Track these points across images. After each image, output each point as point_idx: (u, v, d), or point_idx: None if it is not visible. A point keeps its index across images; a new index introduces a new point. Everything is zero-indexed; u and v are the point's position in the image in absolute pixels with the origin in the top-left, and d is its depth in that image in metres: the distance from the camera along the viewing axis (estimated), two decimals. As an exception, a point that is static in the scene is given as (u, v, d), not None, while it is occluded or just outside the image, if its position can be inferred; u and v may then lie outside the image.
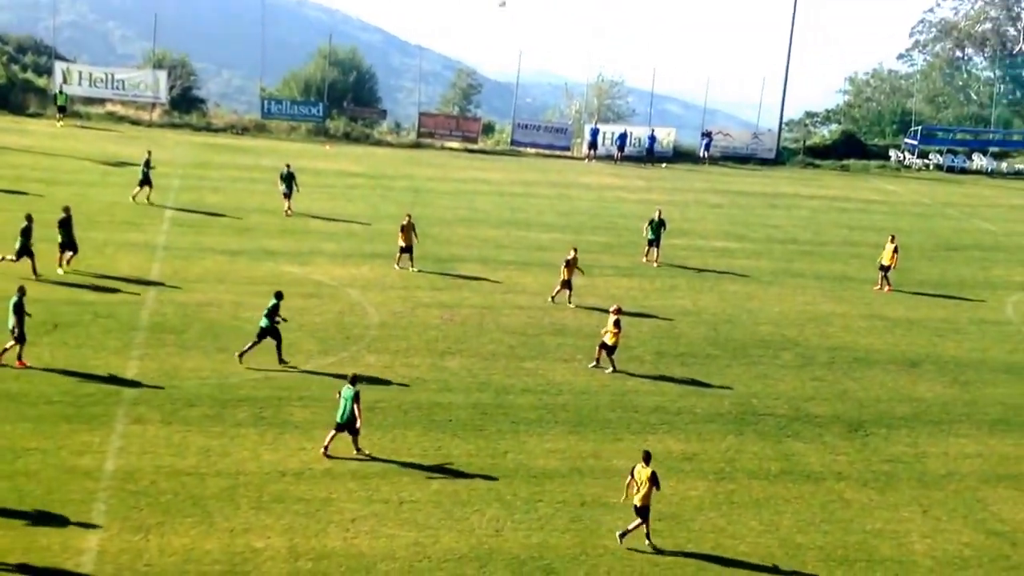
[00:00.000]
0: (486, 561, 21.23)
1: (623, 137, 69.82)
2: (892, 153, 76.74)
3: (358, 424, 24.67)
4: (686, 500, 24.30)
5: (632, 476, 22.22)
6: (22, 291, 28.00)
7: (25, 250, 34.44)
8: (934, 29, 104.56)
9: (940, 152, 76.41)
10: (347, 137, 68.61)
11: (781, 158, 73.90)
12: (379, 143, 68.89)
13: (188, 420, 25.97)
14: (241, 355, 29.39)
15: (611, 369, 31.23)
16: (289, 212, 45.50)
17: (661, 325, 35.89)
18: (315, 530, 21.73)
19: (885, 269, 42.22)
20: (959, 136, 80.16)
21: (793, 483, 25.57)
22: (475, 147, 70.10)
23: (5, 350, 27.75)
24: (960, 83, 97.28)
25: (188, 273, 36.75)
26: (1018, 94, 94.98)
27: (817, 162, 74.53)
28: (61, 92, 63.55)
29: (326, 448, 24.88)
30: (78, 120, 64.31)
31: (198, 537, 21.07)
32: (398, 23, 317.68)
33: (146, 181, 45.27)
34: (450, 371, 30.49)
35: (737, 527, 23.23)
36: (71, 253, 35.65)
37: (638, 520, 22.06)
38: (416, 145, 69.12)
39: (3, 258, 34.56)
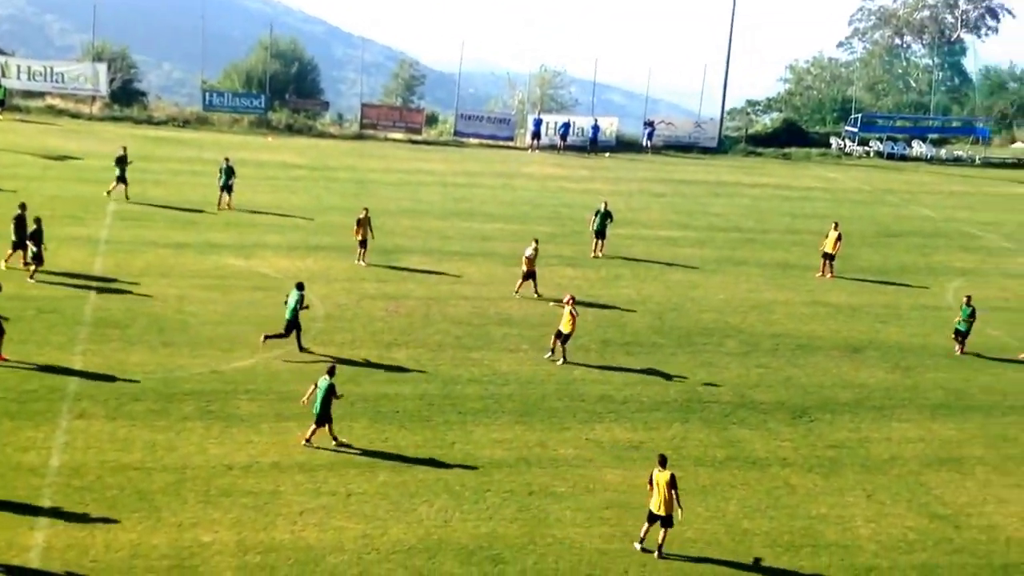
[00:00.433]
0: (435, 552, 21.26)
1: (566, 127, 69.97)
2: (833, 141, 77.53)
3: (320, 414, 24.90)
4: (634, 487, 24.46)
5: (651, 483, 22.03)
6: None
7: (20, 244, 34.43)
8: (873, 17, 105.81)
9: (880, 139, 77.29)
10: (289, 129, 68.15)
11: (723, 147, 74.41)
12: (322, 135, 68.50)
13: (133, 415, 25.74)
14: (300, 347, 30.31)
15: (561, 360, 31.33)
16: (226, 207, 44.97)
17: (606, 314, 36.07)
18: (263, 523, 21.65)
19: (829, 256, 42.71)
20: (899, 123, 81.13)
21: (739, 469, 25.83)
22: (418, 138, 69.91)
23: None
24: (899, 71, 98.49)
25: (132, 267, 36.37)
26: (956, 81, 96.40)
27: (759, 150, 75.10)
28: (0, 86, 62.57)
29: (308, 439, 25.00)
30: (17, 114, 63.27)
31: (145, 532, 20.93)
32: (340, 14, 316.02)
33: (122, 178, 44.81)
34: (396, 362, 30.45)
35: (684, 513, 23.39)
36: (23, 252, 35.11)
37: (663, 530, 21.90)
38: (359, 136, 68.82)
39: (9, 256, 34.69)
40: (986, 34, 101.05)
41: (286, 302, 30.23)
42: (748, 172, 66.98)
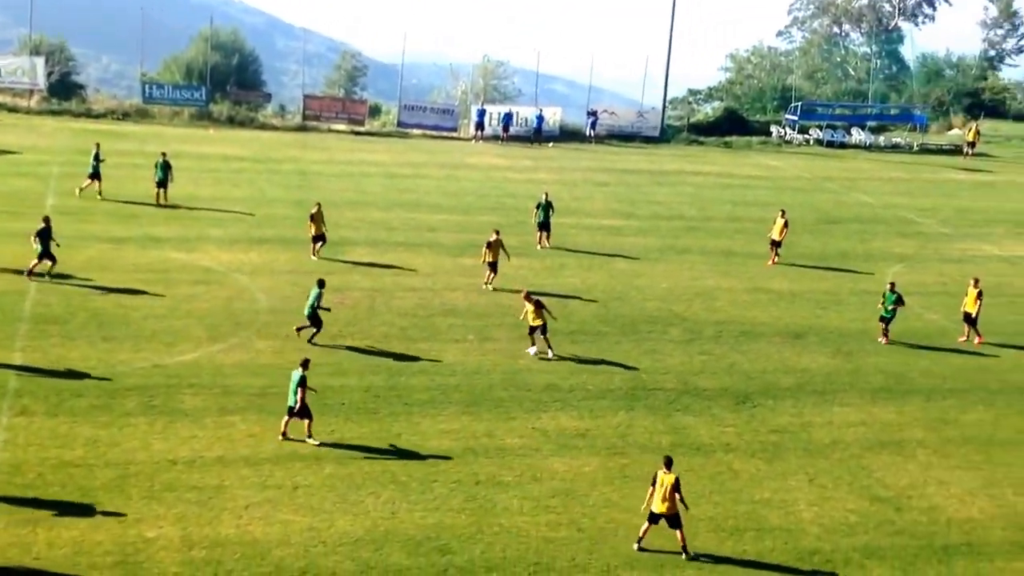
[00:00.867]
0: (382, 543, 21.26)
1: (508, 117, 69.97)
2: (773, 129, 78.12)
3: (298, 408, 24.92)
4: (580, 476, 24.61)
5: (654, 484, 21.86)
6: None
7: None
8: (812, 6, 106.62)
9: (820, 127, 77.99)
10: (231, 121, 67.55)
11: (666, 136, 74.75)
12: (264, 127, 67.98)
13: (75, 411, 25.49)
14: (311, 340, 30.82)
15: (534, 350, 31.29)
16: (162, 202, 44.51)
17: (551, 304, 36.09)
18: (208, 518, 21.53)
19: (776, 243, 43.18)
20: (838, 111, 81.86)
21: (683, 456, 25.99)
22: (362, 129, 69.62)
23: None
24: (838, 59, 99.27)
25: (72, 262, 35.90)
26: (894, 69, 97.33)
27: (701, 139, 75.53)
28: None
29: (284, 433, 24.96)
30: (-47, 109, 62.35)
31: (88, 529, 20.74)
32: (281, 5, 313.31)
33: (96, 175, 44.25)
34: (342, 355, 30.38)
35: (630, 500, 23.58)
36: (50, 263, 34.58)
37: (676, 532, 21.81)
38: (302, 128, 68.38)
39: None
40: (923, 22, 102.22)
41: (307, 297, 31.08)
42: (690, 161, 67.39)
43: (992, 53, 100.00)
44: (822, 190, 60.35)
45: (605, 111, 74.60)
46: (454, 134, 70.82)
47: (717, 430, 27.70)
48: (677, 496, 21.74)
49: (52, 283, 33.84)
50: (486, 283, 37.03)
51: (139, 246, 38.62)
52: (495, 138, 69.33)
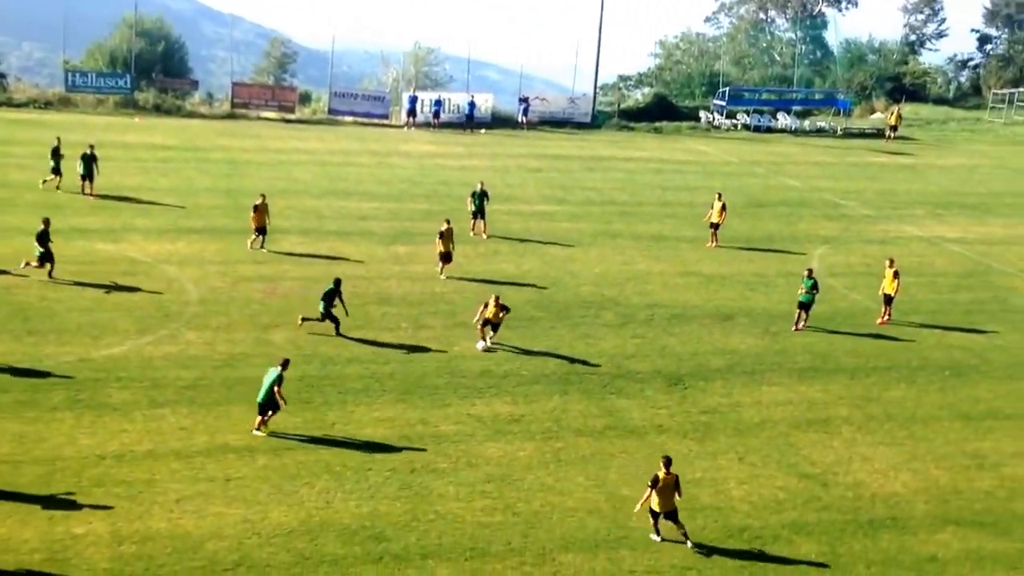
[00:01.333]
0: (317, 533, 21.21)
1: (438, 104, 69.85)
2: (702, 114, 78.73)
3: (280, 405, 24.80)
4: (515, 461, 24.72)
5: (654, 486, 21.67)
6: None
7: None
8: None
9: (747, 112, 78.72)
10: (158, 109, 66.75)
11: (597, 122, 75.03)
12: (192, 115, 67.26)
13: (0, 406, 25.09)
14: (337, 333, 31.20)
15: (483, 345, 31.11)
16: (88, 194, 43.88)
17: (486, 290, 36.15)
18: (138, 513, 21.32)
19: (715, 226, 43.65)
20: (764, 96, 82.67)
21: (617, 438, 26.25)
22: (292, 117, 69.12)
23: None
24: (764, 45, 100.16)
25: (-6, 255, 35.35)
26: (818, 54, 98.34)
27: (631, 125, 75.93)
28: None
29: (259, 427, 24.87)
30: None
31: (15, 526, 20.46)
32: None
33: (58, 169, 43.49)
34: (275, 345, 30.19)
35: (565, 483, 23.76)
36: (49, 265, 33.96)
37: (675, 524, 21.85)
38: (230, 116, 67.71)
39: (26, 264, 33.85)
40: (847, 7, 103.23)
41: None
42: (621, 146, 67.69)
43: (913, 38, 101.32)
44: (750, 174, 60.93)
45: (537, 98, 74.71)
46: (386, 121, 70.52)
47: (650, 412, 27.95)
48: (676, 494, 21.89)
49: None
50: (440, 273, 36.95)
51: (63, 238, 37.94)
52: (427, 125, 69.16)
